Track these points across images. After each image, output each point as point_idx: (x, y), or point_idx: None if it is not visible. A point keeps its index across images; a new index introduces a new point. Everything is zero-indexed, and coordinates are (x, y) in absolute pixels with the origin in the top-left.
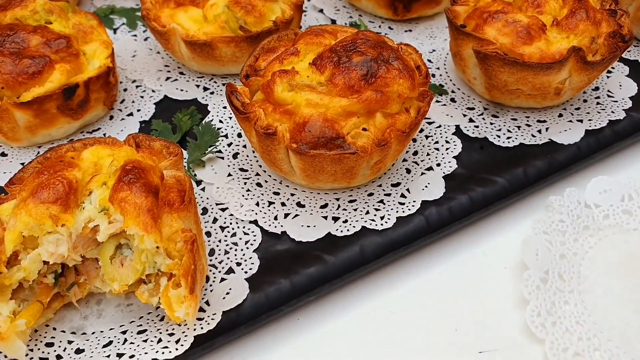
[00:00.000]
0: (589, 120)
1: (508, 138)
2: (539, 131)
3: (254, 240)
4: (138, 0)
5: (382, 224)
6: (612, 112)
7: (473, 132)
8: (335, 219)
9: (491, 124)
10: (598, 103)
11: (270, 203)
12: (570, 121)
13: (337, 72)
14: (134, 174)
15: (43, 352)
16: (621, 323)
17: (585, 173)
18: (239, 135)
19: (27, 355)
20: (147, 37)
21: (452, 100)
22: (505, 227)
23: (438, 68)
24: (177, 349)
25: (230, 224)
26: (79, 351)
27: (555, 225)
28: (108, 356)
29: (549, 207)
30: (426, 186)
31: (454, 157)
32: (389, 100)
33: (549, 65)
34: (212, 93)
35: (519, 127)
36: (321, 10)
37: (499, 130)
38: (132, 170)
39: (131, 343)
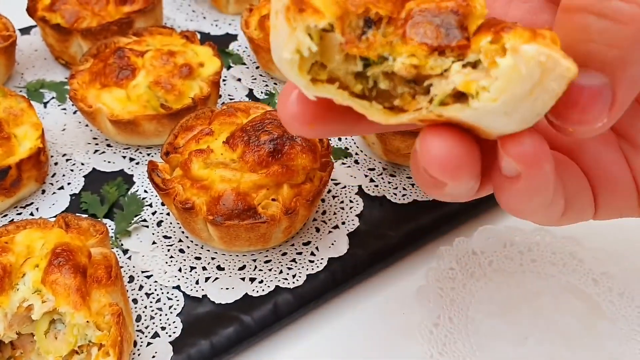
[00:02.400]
0: None
1: (403, 195)
2: None
3: (177, 305)
4: (67, 74)
5: (293, 282)
6: None
7: (373, 192)
8: (252, 279)
9: (389, 182)
10: None
11: (192, 268)
12: None
13: (248, 150)
14: (64, 257)
15: None
16: (503, 358)
17: (472, 224)
18: (163, 203)
19: None
20: (76, 111)
21: (356, 162)
22: (403, 277)
23: None
24: None
25: (155, 290)
26: None
27: (446, 272)
28: None
29: (440, 257)
30: (332, 244)
31: (356, 215)
32: (294, 173)
33: None
34: (137, 163)
35: (413, 185)
36: (239, 79)
37: (396, 188)
38: (62, 253)
39: None
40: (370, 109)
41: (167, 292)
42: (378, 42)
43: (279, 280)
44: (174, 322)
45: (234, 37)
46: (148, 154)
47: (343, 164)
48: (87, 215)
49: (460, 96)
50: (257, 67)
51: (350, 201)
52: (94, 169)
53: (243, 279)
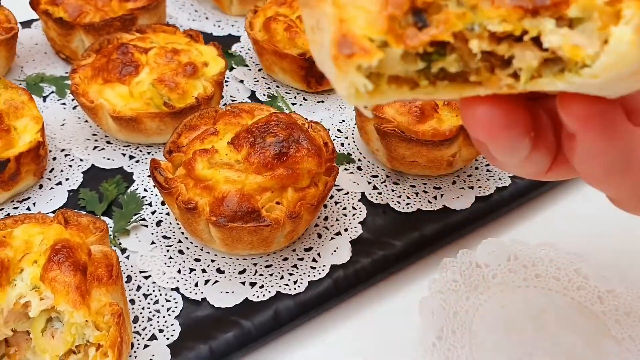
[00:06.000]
0: (479, 187)
1: (407, 204)
2: (435, 197)
3: (176, 307)
4: (67, 69)
5: (295, 289)
6: (500, 179)
7: (376, 199)
8: (253, 284)
9: (392, 190)
10: (488, 170)
11: (192, 270)
12: (462, 188)
13: (253, 151)
14: (63, 254)
15: None
16: None
17: (476, 235)
18: (163, 203)
19: None
20: (76, 106)
21: (359, 168)
22: (406, 287)
23: (347, 137)
24: None
25: (153, 291)
26: None
27: (449, 284)
28: None
29: (443, 268)
30: (335, 250)
31: (359, 222)
32: (299, 176)
33: (440, 142)
34: (137, 161)
35: (417, 194)
36: (242, 81)
37: (400, 197)
38: (61, 249)
39: None
40: (437, 93)
41: (166, 294)
42: (452, 18)
43: (280, 286)
44: (172, 324)
45: (236, 39)
46: (148, 153)
47: (346, 169)
48: (85, 212)
49: (547, 64)
50: (259, 70)
51: (353, 208)
52: (92, 165)
53: (243, 283)
